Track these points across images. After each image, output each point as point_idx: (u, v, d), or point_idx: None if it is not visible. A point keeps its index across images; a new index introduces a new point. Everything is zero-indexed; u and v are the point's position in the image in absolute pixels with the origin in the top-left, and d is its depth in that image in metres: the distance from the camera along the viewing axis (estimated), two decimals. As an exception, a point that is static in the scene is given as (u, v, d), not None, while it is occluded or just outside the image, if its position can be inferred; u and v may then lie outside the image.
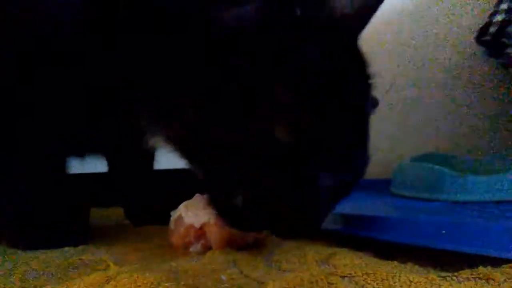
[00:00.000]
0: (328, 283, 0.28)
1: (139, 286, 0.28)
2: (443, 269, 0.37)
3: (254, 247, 0.47)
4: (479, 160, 0.77)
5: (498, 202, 0.60)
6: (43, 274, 0.38)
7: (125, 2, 0.43)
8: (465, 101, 0.94)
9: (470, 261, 0.34)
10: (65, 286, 0.30)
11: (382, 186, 0.79)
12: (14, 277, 0.37)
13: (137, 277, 0.29)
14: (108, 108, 0.49)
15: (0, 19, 0.47)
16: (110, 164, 0.68)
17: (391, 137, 0.93)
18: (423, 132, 0.95)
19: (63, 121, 0.51)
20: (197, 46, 0.39)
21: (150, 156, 0.68)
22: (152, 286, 0.28)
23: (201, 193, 0.51)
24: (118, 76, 0.45)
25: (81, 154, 0.59)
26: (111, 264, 0.32)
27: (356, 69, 0.41)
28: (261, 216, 0.41)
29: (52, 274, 0.38)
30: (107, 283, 0.29)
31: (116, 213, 0.73)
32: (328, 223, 0.52)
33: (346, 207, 0.58)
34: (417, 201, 0.67)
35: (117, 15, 0.43)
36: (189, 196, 0.51)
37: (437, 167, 0.69)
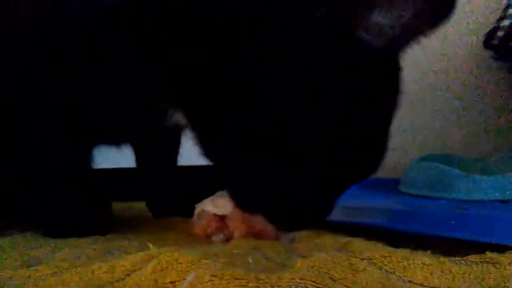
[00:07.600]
0: (350, 263, 0.31)
1: (181, 263, 0.31)
2: (451, 256, 0.39)
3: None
4: (485, 160, 0.79)
5: (503, 201, 0.63)
6: (82, 256, 0.41)
7: None
8: (473, 104, 0.96)
9: (477, 249, 0.37)
10: (111, 264, 0.33)
11: (391, 185, 0.82)
12: (56, 259, 0.41)
13: (178, 255, 0.32)
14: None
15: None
16: (138, 156, 0.71)
17: (403, 137, 0.96)
18: (433, 133, 0.98)
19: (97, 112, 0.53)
20: None
21: (175, 149, 0.71)
22: (193, 262, 0.31)
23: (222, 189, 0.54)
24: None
25: (113, 142, 0.62)
26: (151, 246, 0.35)
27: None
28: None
29: (90, 257, 0.41)
30: (150, 261, 0.32)
31: (136, 208, 0.77)
32: (341, 216, 0.56)
33: (357, 202, 0.61)
34: (425, 199, 0.69)
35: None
36: (210, 191, 0.54)
37: (444, 166, 0.72)
